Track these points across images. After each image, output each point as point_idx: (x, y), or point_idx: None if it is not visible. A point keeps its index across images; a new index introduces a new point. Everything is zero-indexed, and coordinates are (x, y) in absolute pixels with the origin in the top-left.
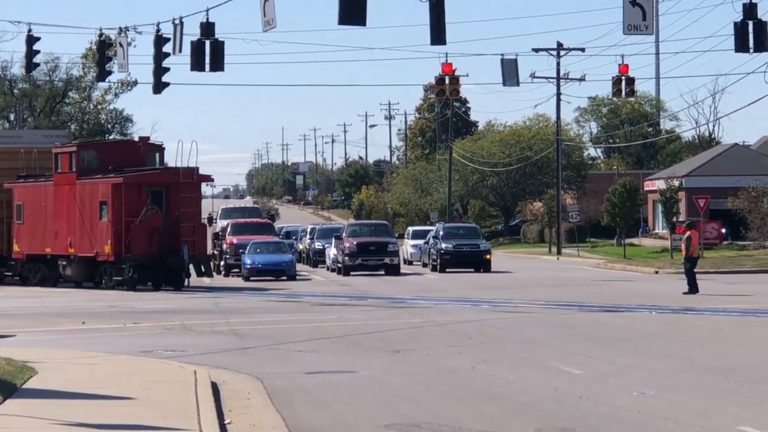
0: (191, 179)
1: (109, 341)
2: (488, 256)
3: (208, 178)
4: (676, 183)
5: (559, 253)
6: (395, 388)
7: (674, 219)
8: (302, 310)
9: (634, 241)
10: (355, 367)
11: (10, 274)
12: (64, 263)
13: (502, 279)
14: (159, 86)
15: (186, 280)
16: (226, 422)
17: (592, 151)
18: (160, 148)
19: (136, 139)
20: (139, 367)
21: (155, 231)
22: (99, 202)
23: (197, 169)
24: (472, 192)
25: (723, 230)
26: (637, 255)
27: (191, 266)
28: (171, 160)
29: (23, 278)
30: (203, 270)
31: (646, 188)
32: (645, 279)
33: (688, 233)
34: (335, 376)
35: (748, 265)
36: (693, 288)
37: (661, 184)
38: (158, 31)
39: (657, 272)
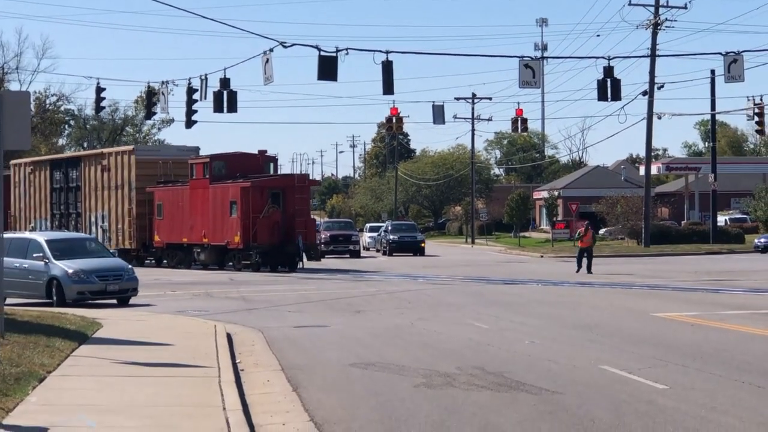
0: (303, 183)
1: (154, 303)
2: (423, 245)
3: (316, 182)
4: (556, 193)
5: (473, 242)
6: (356, 338)
7: (554, 219)
8: (291, 282)
9: (526, 234)
10: (328, 322)
11: (152, 258)
12: (198, 250)
13: (433, 260)
14: (189, 123)
15: (300, 263)
16: (237, 362)
17: (496, 170)
18: (274, 159)
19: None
20: (175, 322)
21: (275, 225)
22: (229, 201)
23: (308, 175)
24: (412, 199)
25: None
26: (528, 244)
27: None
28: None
29: (159, 262)
30: (312, 255)
31: (534, 197)
32: (534, 261)
33: (586, 231)
34: (314, 329)
35: (606, 252)
36: (580, 268)
37: (545, 194)
38: (189, 83)
39: (542, 256)
